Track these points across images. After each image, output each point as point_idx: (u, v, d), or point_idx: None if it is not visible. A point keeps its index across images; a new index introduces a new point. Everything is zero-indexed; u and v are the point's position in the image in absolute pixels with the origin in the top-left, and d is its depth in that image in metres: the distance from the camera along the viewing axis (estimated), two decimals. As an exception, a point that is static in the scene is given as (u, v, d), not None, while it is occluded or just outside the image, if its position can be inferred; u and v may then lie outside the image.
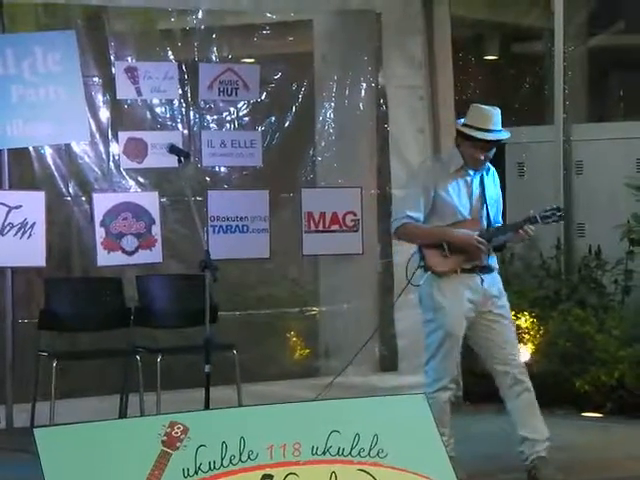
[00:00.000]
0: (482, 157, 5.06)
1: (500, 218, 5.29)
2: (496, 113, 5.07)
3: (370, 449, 4.05)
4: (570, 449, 5.49)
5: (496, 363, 5.13)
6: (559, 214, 5.10)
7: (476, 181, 5.15)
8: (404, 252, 6.77)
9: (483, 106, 5.10)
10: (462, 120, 5.12)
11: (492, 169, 5.26)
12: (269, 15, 6.86)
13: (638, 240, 7.05)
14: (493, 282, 5.17)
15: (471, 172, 5.13)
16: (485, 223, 5.14)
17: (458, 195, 5.11)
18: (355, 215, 6.80)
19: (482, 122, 5.02)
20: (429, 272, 5.13)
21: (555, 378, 6.62)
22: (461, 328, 5.11)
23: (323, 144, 6.96)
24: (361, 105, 6.98)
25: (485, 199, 5.13)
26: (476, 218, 5.13)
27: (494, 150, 5.11)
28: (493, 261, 5.20)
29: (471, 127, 5.03)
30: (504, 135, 5.08)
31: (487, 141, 5.03)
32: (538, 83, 8.12)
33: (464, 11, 7.67)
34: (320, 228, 6.75)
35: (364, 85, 6.98)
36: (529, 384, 5.12)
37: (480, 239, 5.06)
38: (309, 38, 7.14)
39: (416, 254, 5.24)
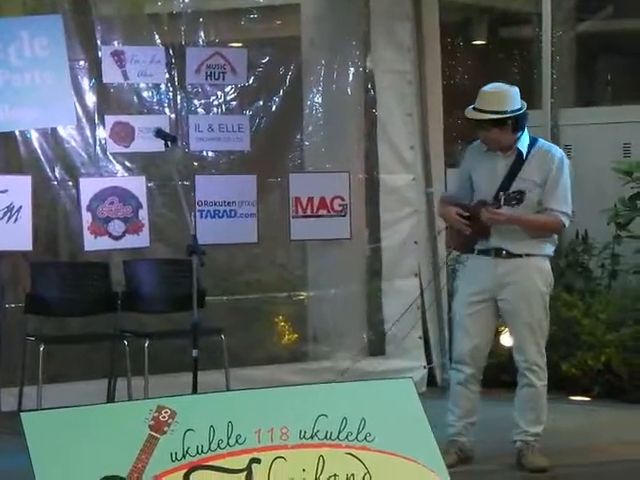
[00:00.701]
0: (482, 137, 5.04)
1: (550, 204, 5.02)
2: (489, 92, 5.01)
3: (358, 433, 4.07)
4: (557, 433, 5.50)
5: (513, 349, 5.17)
6: (518, 197, 4.90)
7: (504, 161, 5.04)
8: (392, 237, 6.84)
9: (487, 87, 5.06)
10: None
11: (551, 154, 5.04)
12: (256, -1, 6.84)
13: (625, 224, 7.07)
14: (513, 268, 5.00)
15: (499, 153, 5.07)
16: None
17: (483, 175, 5.10)
18: (343, 200, 6.79)
19: (477, 102, 5.04)
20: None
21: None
22: (464, 310, 5.10)
23: (311, 128, 6.93)
24: (349, 89, 6.96)
25: (511, 181, 4.99)
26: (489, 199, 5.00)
27: (491, 131, 4.97)
28: (513, 245, 4.98)
29: (471, 109, 5.04)
30: (485, 115, 4.94)
31: (479, 121, 4.98)
32: (526, 68, 8.12)
33: (452, -5, 7.66)
34: (308, 213, 6.74)
35: (352, 69, 6.96)
36: (534, 381, 5.06)
37: (457, 217, 5.03)
38: (297, 22, 7.10)
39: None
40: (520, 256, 5.03)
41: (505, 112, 4.97)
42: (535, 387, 5.10)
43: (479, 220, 5.02)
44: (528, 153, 5.06)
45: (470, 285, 5.13)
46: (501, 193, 4.97)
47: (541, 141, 5.17)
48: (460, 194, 5.23)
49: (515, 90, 5.06)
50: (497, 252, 5.04)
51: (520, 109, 5.03)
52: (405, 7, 6.88)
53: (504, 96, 5.01)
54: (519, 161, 5.04)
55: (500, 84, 5.09)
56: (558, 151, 5.14)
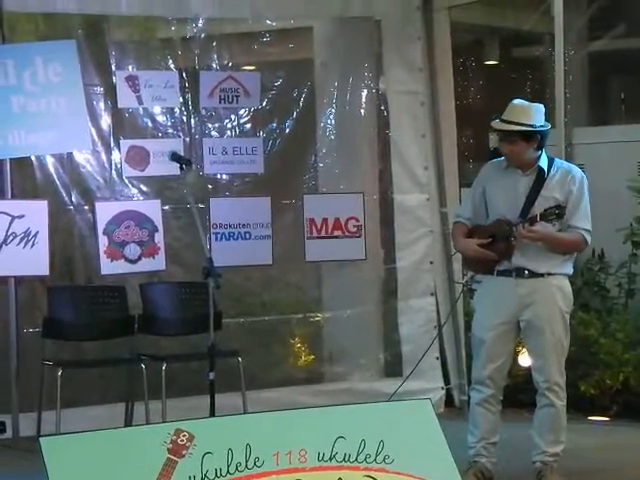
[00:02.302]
0: (506, 150, 5.01)
1: (574, 223, 5.03)
2: (519, 105, 5.03)
3: (376, 455, 4.05)
4: (577, 453, 5.47)
5: (533, 370, 5.15)
6: (557, 212, 4.93)
7: (525, 180, 5.03)
8: (408, 257, 6.84)
9: (517, 100, 5.10)
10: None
11: (572, 173, 5.06)
12: (269, 22, 6.87)
13: (641, 243, 7.05)
14: (536, 287, 4.99)
15: (519, 171, 5.07)
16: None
17: (502, 194, 5.08)
18: (357, 221, 6.80)
19: (508, 114, 5.03)
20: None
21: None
22: (484, 332, 5.06)
23: (324, 150, 6.96)
24: (362, 111, 6.99)
25: (533, 199, 4.98)
26: (513, 218, 4.98)
27: (518, 144, 4.96)
28: (535, 264, 4.97)
29: (497, 120, 5.04)
30: (513, 127, 4.95)
31: (504, 132, 4.98)
32: (539, 87, 8.13)
33: (464, 16, 7.68)
34: (323, 234, 6.75)
35: (365, 91, 6.98)
36: (554, 401, 5.04)
37: (477, 249, 5.01)
38: (309, 45, 7.14)
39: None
40: (542, 275, 5.02)
41: (533, 126, 4.98)
42: (555, 407, 5.08)
43: (503, 241, 5.00)
44: (548, 172, 5.05)
45: (491, 307, 5.09)
46: (536, 210, 4.95)
47: (559, 160, 5.18)
48: (476, 216, 5.19)
49: (542, 107, 5.10)
50: (518, 272, 5.02)
51: (546, 126, 5.06)
52: (417, 28, 6.90)
53: (533, 110, 5.04)
54: (540, 180, 5.03)
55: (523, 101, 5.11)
56: (578, 171, 5.14)
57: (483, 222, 5.16)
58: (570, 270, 5.13)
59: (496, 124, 5.05)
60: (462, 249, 5.18)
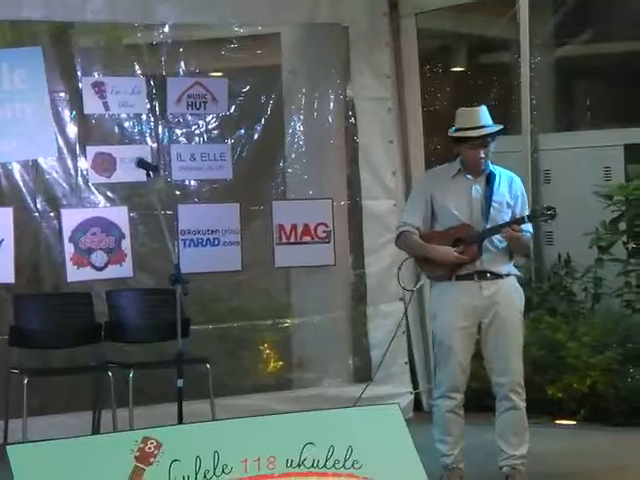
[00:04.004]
0: (483, 154, 5.05)
1: (526, 224, 5.09)
2: (481, 109, 5.11)
3: (345, 461, 4.06)
4: (544, 458, 5.50)
5: (492, 374, 5.13)
6: (549, 212, 5.02)
7: (477, 186, 5.10)
8: (376, 263, 6.85)
9: (467, 108, 5.16)
10: (453, 129, 5.14)
11: (512, 177, 5.18)
12: (236, 29, 6.86)
13: (607, 247, 7.11)
14: (497, 290, 5.06)
15: (470, 177, 5.12)
16: (485, 226, 5.06)
17: (455, 200, 5.10)
18: (327, 226, 6.80)
19: (471, 121, 5.06)
20: (425, 278, 5.19)
21: (528, 386, 6.58)
22: (452, 337, 5.06)
23: (293, 156, 6.96)
24: (330, 117, 7.00)
25: (489, 204, 5.05)
26: (474, 222, 5.05)
27: (492, 146, 5.07)
28: (498, 267, 5.07)
29: (462, 129, 5.06)
30: (495, 128, 5.07)
31: (483, 137, 5.02)
32: (505, 93, 8.18)
33: (431, 23, 7.71)
34: (292, 240, 6.75)
35: (333, 97, 7.00)
36: (518, 403, 5.07)
37: (458, 256, 5.02)
38: (277, 51, 7.14)
39: (409, 260, 5.34)
40: (502, 277, 5.09)
41: (495, 125, 5.08)
42: (519, 409, 5.10)
43: (471, 245, 5.03)
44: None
45: (455, 311, 5.07)
46: (525, 211, 5.05)
47: (493, 165, 5.20)
48: (425, 225, 5.18)
49: None
50: (481, 275, 5.06)
51: None
52: (384, 35, 6.93)
53: (486, 111, 5.12)
54: (491, 184, 5.10)
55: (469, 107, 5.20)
56: (515, 175, 5.26)
57: (435, 229, 5.16)
58: (517, 271, 5.25)
59: (483, 131, 5.04)
60: (441, 256, 5.07)
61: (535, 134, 7.72)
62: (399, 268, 5.48)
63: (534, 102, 7.70)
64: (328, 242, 6.80)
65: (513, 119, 7.91)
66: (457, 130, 5.08)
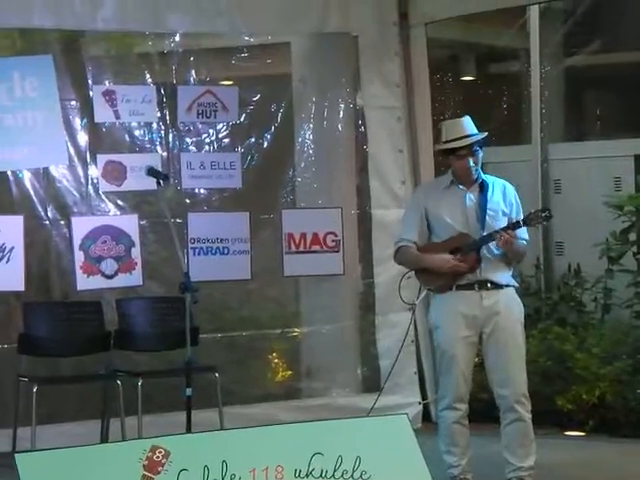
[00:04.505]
0: (472, 163, 5.07)
1: (519, 233, 5.13)
2: (465, 119, 5.15)
3: (353, 471, 4.05)
4: (553, 469, 5.48)
5: (495, 385, 5.12)
6: (544, 214, 5.05)
7: (470, 195, 5.12)
8: (385, 273, 6.84)
9: (451, 120, 5.25)
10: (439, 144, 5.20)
11: (505, 185, 5.22)
12: (247, 38, 6.88)
13: (617, 258, 7.09)
14: (498, 300, 5.07)
15: (462, 187, 5.14)
16: (482, 234, 5.06)
17: (449, 210, 5.12)
18: (336, 235, 6.80)
19: (456, 132, 5.10)
20: (426, 290, 5.19)
21: (536, 397, 6.56)
22: (455, 347, 5.06)
23: (303, 165, 6.96)
24: (340, 126, 7.00)
25: (484, 212, 5.07)
26: (470, 231, 5.07)
27: (481, 154, 5.10)
28: (498, 276, 5.08)
29: (448, 142, 5.10)
30: (480, 135, 5.11)
31: (468, 146, 5.05)
32: (515, 103, 8.18)
33: (441, 33, 7.72)
34: (301, 249, 6.75)
35: (342, 106, 7.00)
36: (523, 414, 5.05)
37: (456, 262, 5.03)
38: (287, 60, 7.15)
39: (409, 273, 5.34)
40: (502, 287, 5.11)
41: (480, 133, 5.11)
42: (524, 421, 5.08)
43: (469, 254, 5.04)
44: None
45: (457, 321, 5.07)
46: (520, 215, 5.07)
47: (486, 174, 5.22)
48: (420, 238, 5.21)
49: None
50: (481, 285, 5.07)
51: None
52: (394, 44, 6.94)
53: (470, 121, 5.16)
54: (484, 193, 5.12)
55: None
56: (508, 183, 5.28)
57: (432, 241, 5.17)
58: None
59: (468, 140, 5.07)
60: (438, 264, 5.10)
61: (545, 144, 7.72)
62: (400, 282, 5.47)
63: (544, 112, 7.70)
64: (337, 251, 6.80)
65: (523, 129, 7.91)
66: (445, 143, 5.12)
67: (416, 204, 5.26)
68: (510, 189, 5.23)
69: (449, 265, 5.05)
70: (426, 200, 5.20)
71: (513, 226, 5.05)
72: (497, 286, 5.08)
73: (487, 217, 5.07)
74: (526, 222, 5.07)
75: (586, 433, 6.56)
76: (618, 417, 6.48)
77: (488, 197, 5.11)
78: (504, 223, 5.10)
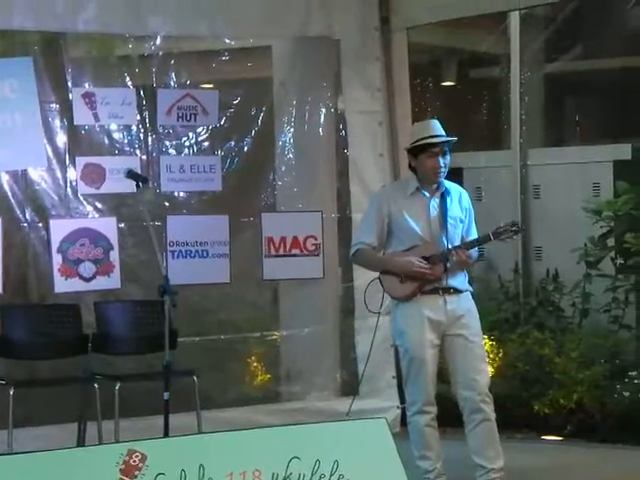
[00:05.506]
0: (442, 163, 5.09)
1: (471, 238, 5.22)
2: (435, 122, 5.20)
3: (331, 475, 4.05)
4: (530, 473, 5.50)
5: (460, 387, 5.13)
6: (514, 228, 5.08)
7: (434, 203, 5.17)
8: (365, 276, 6.83)
9: (421, 122, 5.32)
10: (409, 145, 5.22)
11: (461, 191, 5.28)
12: (227, 41, 6.87)
13: (595, 263, 7.12)
14: (459, 304, 5.14)
15: (427, 194, 5.17)
16: (445, 245, 5.12)
17: (414, 218, 5.14)
18: (316, 239, 6.80)
19: (426, 131, 5.15)
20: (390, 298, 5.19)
21: (514, 401, 6.64)
22: (425, 351, 5.08)
23: (283, 168, 6.96)
24: (321, 130, 7.01)
25: (445, 221, 5.13)
26: (434, 240, 5.13)
27: (449, 158, 5.13)
28: (459, 282, 5.15)
29: (419, 140, 5.12)
30: (452, 138, 5.14)
31: (441, 144, 5.08)
32: (495, 108, 8.21)
33: (422, 37, 7.74)
34: (281, 252, 6.74)
35: (323, 110, 7.01)
36: (489, 413, 5.08)
37: (420, 265, 5.05)
38: (268, 63, 7.15)
39: (376, 280, 5.28)
40: (462, 292, 5.17)
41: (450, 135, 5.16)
42: (491, 420, 5.10)
43: (439, 262, 5.08)
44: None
45: (424, 325, 5.09)
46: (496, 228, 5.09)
47: (444, 179, 5.26)
48: (381, 244, 5.22)
49: None
50: (445, 290, 5.12)
51: None
52: (375, 48, 6.95)
53: (439, 124, 5.20)
54: (444, 200, 5.16)
55: None
56: (463, 189, 5.34)
57: (395, 248, 5.18)
58: None
59: (441, 138, 5.11)
60: (402, 267, 5.09)
61: (525, 149, 7.75)
62: (366, 289, 5.48)
63: (524, 117, 7.73)
64: (317, 255, 6.80)
65: (503, 134, 7.94)
66: (415, 142, 5.13)
67: (379, 208, 5.23)
68: (465, 195, 5.29)
69: (414, 268, 5.07)
70: (390, 205, 5.19)
71: (483, 239, 5.12)
72: (458, 291, 5.15)
73: (448, 225, 5.12)
74: (495, 236, 5.08)
75: (564, 438, 6.58)
76: (596, 422, 6.50)
77: (448, 205, 5.16)
78: (461, 231, 5.16)
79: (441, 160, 5.10)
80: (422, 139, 5.11)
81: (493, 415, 5.11)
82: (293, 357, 7.01)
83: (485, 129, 8.35)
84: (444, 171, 5.13)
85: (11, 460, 3.87)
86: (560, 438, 6.59)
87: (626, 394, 6.49)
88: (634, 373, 6.61)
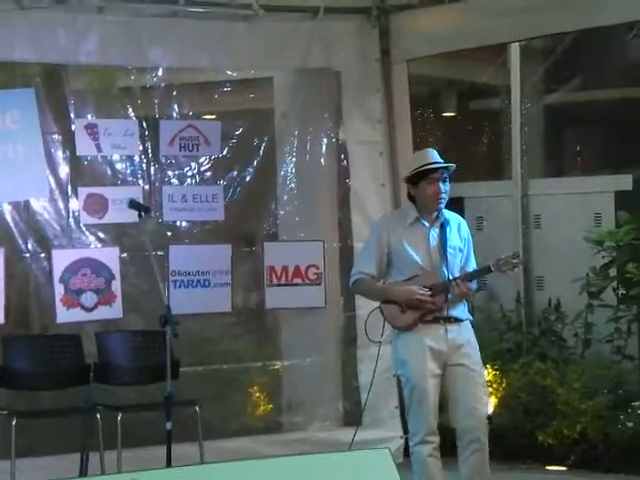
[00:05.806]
0: (442, 189, 5.10)
1: (470, 267, 5.23)
2: (433, 150, 5.23)
3: (334, 505, 4.02)
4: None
5: (459, 416, 5.10)
6: (515, 260, 5.07)
7: (433, 233, 5.17)
8: (367, 305, 6.82)
9: (418, 151, 5.36)
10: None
11: (460, 220, 5.29)
12: (229, 72, 6.91)
13: (597, 293, 7.11)
14: (460, 333, 5.13)
15: (426, 224, 5.18)
16: (446, 274, 5.12)
17: (414, 248, 5.14)
18: (318, 268, 6.81)
19: (426, 159, 5.17)
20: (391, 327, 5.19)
21: (517, 431, 6.61)
22: (426, 380, 5.07)
23: (285, 198, 6.98)
24: (322, 160, 7.03)
25: (445, 250, 5.14)
26: (434, 270, 5.13)
27: (449, 185, 5.14)
28: (459, 311, 5.16)
29: (419, 167, 5.14)
30: (451, 164, 5.16)
31: (440, 170, 5.09)
32: (496, 139, 8.24)
33: (422, 69, 7.79)
34: (282, 282, 6.75)
35: (325, 140, 7.04)
36: (484, 443, 5.06)
37: (421, 294, 5.05)
38: (269, 95, 7.20)
39: (377, 309, 5.29)
40: (462, 321, 5.17)
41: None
42: (484, 450, 5.07)
43: (440, 293, 5.07)
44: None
45: (425, 355, 5.07)
46: (498, 259, 5.07)
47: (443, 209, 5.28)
48: (380, 274, 5.21)
49: None
50: (446, 319, 5.12)
51: None
52: (375, 80, 6.99)
53: (436, 152, 5.23)
54: (444, 230, 5.17)
55: None
56: (461, 218, 5.35)
57: (395, 278, 5.18)
58: None
59: (440, 164, 5.13)
60: (404, 296, 5.09)
61: (525, 179, 7.77)
62: (367, 318, 5.48)
63: (524, 147, 7.76)
64: (319, 284, 6.80)
65: (504, 164, 7.96)
66: (414, 170, 5.14)
67: (378, 238, 5.22)
68: (464, 225, 5.30)
69: (416, 296, 5.06)
70: (389, 235, 5.20)
71: (483, 271, 5.14)
72: (459, 320, 5.15)
73: (448, 255, 5.12)
74: (496, 268, 5.08)
75: (568, 468, 6.54)
76: (599, 452, 6.47)
77: (448, 235, 5.16)
78: (460, 260, 5.16)
79: (442, 186, 5.11)
80: (422, 166, 5.13)
81: (487, 444, 5.09)
82: (295, 387, 6.99)
83: (486, 159, 8.38)
84: (445, 198, 5.14)
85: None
86: (564, 468, 6.56)
87: (629, 424, 6.46)
88: (637, 403, 6.58)
